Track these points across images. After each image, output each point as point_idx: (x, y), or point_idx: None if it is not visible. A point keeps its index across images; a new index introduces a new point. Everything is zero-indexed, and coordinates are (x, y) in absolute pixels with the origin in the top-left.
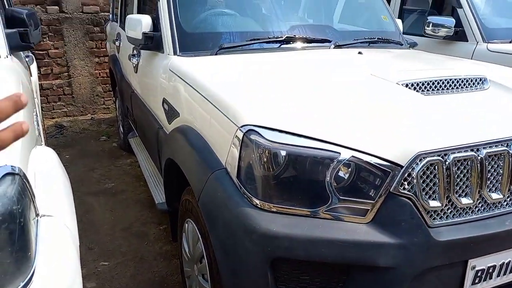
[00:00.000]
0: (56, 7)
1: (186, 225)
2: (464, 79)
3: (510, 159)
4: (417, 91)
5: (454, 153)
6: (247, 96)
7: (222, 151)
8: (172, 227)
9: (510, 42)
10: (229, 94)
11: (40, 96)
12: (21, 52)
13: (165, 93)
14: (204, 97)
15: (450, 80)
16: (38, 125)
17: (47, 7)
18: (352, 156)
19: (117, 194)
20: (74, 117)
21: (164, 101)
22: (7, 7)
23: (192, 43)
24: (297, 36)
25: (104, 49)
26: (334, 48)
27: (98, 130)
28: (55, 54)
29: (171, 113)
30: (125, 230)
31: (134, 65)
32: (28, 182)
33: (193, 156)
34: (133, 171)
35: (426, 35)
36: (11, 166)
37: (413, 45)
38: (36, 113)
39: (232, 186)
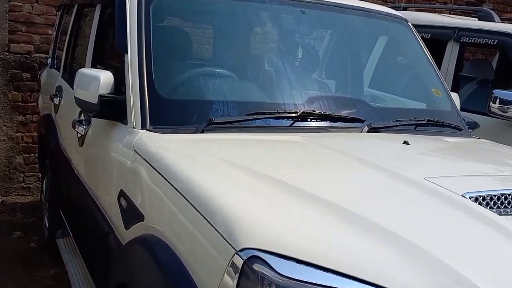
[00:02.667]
0: None
1: None
2: None
3: None
4: (497, 209)
5: None
6: (249, 203)
7: (209, 282)
8: None
9: None
10: (223, 197)
11: None
12: None
13: (124, 183)
14: (185, 197)
15: None
16: None
17: None
18: None
19: None
20: None
21: (122, 194)
22: None
23: (170, 114)
24: (317, 112)
25: (34, 105)
26: (368, 131)
27: (11, 220)
28: None
29: (131, 214)
30: None
31: (80, 135)
32: None
33: (161, 286)
34: None
35: (491, 115)
36: None
37: (473, 127)
38: None
39: None
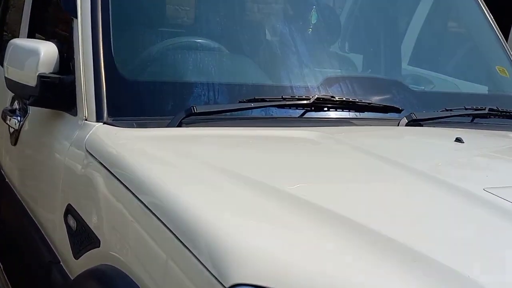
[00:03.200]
0: None
1: None
2: None
3: None
4: None
5: None
6: (242, 225)
7: None
8: None
9: None
10: (208, 216)
11: None
12: None
13: (73, 196)
14: (156, 216)
15: None
16: None
17: None
18: None
19: None
20: None
21: (70, 211)
22: None
23: (135, 100)
24: (337, 99)
25: None
26: (407, 124)
27: None
28: None
29: (82, 238)
30: None
31: (13, 130)
32: None
33: None
34: None
35: None
36: None
37: None
38: None
39: None
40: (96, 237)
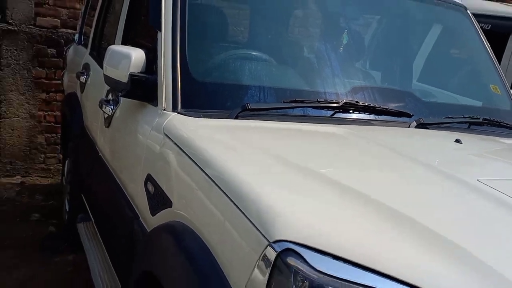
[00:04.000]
0: None
1: None
2: None
3: None
4: None
5: None
6: (286, 194)
7: (239, 273)
8: None
9: None
10: (259, 186)
11: None
12: None
13: (152, 168)
14: (217, 185)
15: None
16: None
17: None
18: None
19: None
20: None
21: (149, 179)
22: None
23: (203, 97)
24: (360, 104)
25: (58, 82)
26: (416, 127)
27: (29, 203)
28: None
29: (158, 200)
30: None
31: (107, 116)
32: None
33: (189, 277)
34: (77, 278)
35: None
36: None
37: None
38: None
39: None
40: (169, 199)
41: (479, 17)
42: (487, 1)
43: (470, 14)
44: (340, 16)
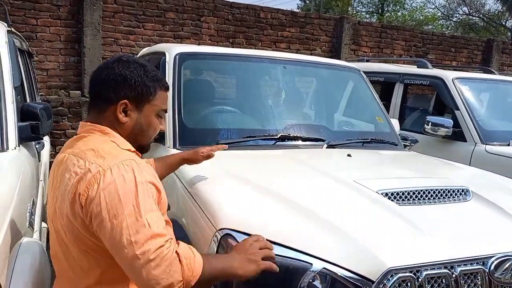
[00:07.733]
0: (78, 91)
1: None
2: (446, 189)
3: (486, 278)
4: (397, 201)
5: (427, 270)
6: (227, 198)
7: (202, 246)
8: None
9: (508, 145)
10: (214, 195)
11: None
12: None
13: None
14: (191, 195)
15: (432, 190)
16: (32, 215)
17: (70, 91)
18: (324, 268)
19: None
20: None
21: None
22: (28, 100)
23: (192, 137)
24: (291, 135)
25: None
26: (326, 147)
27: None
28: (71, 134)
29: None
30: None
31: None
32: None
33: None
34: None
35: (426, 133)
36: None
37: (414, 142)
38: (34, 202)
39: None
40: (168, 205)
41: (377, 73)
42: (380, 63)
43: (363, 74)
44: (280, 82)
